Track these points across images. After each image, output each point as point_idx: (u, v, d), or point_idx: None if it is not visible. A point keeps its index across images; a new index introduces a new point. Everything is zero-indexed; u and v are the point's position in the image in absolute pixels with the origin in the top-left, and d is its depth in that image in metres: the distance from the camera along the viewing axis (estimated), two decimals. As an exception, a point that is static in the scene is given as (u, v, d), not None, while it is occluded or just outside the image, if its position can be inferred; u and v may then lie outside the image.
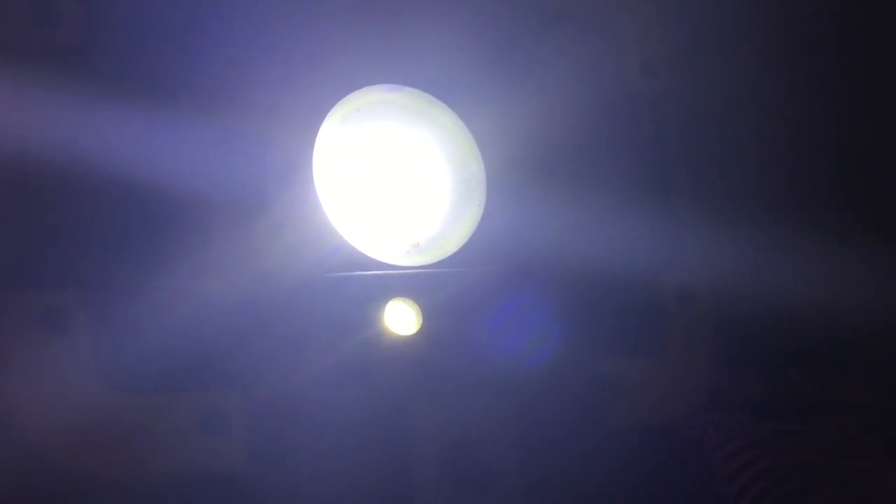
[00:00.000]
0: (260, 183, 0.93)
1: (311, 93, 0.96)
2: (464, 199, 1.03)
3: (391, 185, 1.03)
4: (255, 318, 0.89)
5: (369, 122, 1.01)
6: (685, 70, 1.11)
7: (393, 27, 1.00)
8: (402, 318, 0.93)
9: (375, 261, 0.96)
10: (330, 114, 0.97)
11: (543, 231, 1.02)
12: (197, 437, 0.86)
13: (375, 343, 0.92)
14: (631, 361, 1.07)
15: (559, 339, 1.02)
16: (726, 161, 1.12)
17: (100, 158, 0.87)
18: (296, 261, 0.92)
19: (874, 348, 1.16)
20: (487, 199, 1.02)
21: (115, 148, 0.88)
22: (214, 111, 0.92)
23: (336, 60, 0.97)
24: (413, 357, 0.93)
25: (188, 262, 0.89)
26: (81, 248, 0.86)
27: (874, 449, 1.16)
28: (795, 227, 1.13)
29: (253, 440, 0.87)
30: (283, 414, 0.89)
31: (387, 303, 0.93)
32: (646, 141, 1.09)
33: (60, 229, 0.86)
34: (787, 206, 1.14)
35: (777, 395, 1.20)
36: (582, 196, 1.05)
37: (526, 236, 1.01)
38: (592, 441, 1.03)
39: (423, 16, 1.01)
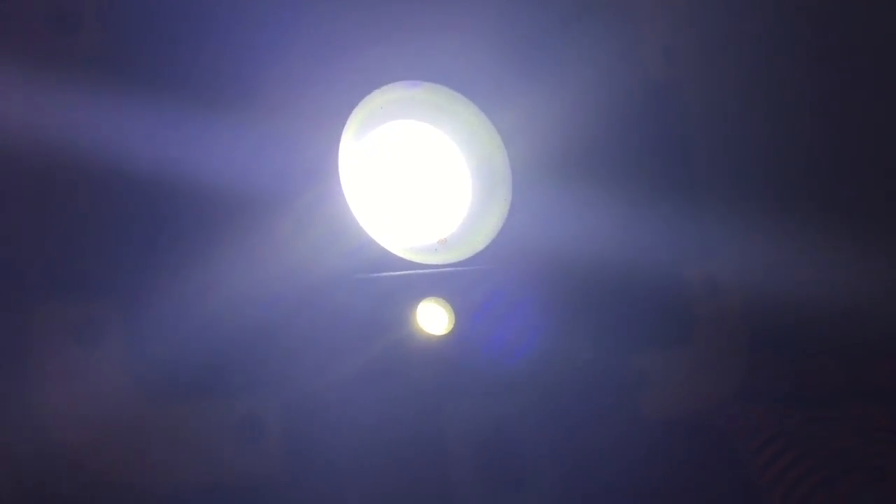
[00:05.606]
0: (285, 182, 0.91)
1: (335, 91, 0.95)
2: (489, 195, 1.02)
3: (416, 182, 1.02)
4: (285, 318, 0.89)
5: (392, 120, 1.00)
6: (709, 59, 1.10)
7: (414, 22, 0.98)
8: (434, 318, 0.92)
9: (403, 259, 0.95)
10: (353, 112, 0.96)
11: (570, 226, 1.01)
12: (231, 443, 0.85)
13: (407, 344, 0.91)
14: (659, 354, 1.06)
15: (586, 333, 1.01)
16: (753, 150, 1.10)
17: (124, 158, 0.85)
18: (323, 259, 0.91)
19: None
20: (513, 194, 1.01)
21: (139, 148, 0.86)
22: (238, 109, 0.91)
23: (358, 58, 0.96)
24: (445, 357, 0.92)
25: (213, 261, 0.88)
26: (107, 251, 0.85)
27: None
28: (825, 215, 1.12)
29: (287, 445, 0.86)
30: (316, 417, 0.88)
31: (418, 303, 0.92)
32: (671, 132, 1.08)
33: (85, 233, 0.85)
34: (815, 194, 1.13)
35: (806, 383, 1.19)
36: (608, 189, 1.04)
37: (553, 231, 1.00)
38: (623, 435, 1.02)
39: (443, 10, 0.99)
